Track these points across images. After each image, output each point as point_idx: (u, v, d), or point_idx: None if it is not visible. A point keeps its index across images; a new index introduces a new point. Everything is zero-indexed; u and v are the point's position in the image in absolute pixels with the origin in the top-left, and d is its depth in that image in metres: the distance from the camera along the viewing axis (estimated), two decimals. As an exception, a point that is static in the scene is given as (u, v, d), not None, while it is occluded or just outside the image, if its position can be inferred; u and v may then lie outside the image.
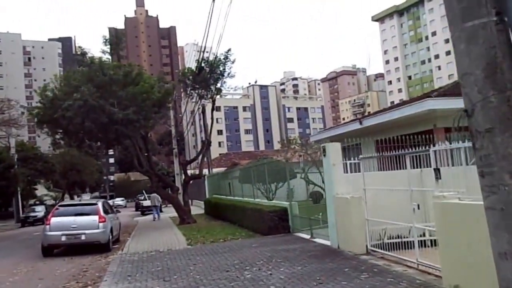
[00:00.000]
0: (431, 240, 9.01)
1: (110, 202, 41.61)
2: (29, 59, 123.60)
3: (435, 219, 6.37)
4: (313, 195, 22.85)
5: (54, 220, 12.99)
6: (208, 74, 20.63)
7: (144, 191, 40.09)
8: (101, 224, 12.99)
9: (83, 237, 12.74)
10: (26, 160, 45.74)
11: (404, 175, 9.65)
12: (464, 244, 5.62)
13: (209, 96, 21.74)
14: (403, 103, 17.20)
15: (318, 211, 13.37)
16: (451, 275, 5.93)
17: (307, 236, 11.97)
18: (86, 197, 69.71)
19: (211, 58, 20.74)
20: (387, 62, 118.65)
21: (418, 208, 7.42)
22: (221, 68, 20.82)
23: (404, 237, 8.84)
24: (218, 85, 21.39)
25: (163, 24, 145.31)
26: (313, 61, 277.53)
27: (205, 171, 34.08)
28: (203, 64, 20.54)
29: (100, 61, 18.62)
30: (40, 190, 59.66)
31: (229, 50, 20.90)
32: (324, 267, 7.97)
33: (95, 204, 13.81)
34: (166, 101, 21.09)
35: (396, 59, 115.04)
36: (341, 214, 9.63)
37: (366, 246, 9.09)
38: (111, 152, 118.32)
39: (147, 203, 37.43)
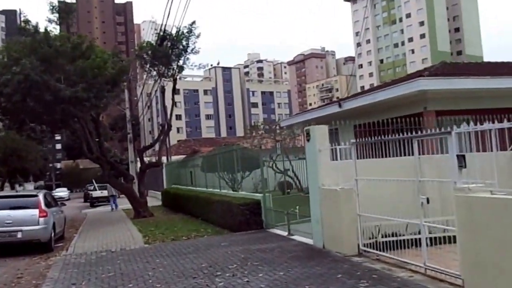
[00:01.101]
0: (431, 239, 8.43)
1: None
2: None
3: (457, 216, 5.59)
4: (281, 185, 22.14)
5: (-16, 214, 11.50)
6: (170, 49, 19.27)
7: (93, 181, 38.25)
8: (42, 220, 11.63)
9: (19, 235, 11.36)
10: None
11: (404, 163, 8.95)
12: (495, 247, 4.87)
13: (170, 74, 20.40)
14: (388, 84, 16.55)
15: (292, 203, 12.56)
16: (476, 284, 5.18)
17: (284, 233, 11.13)
18: (29, 187, 66.62)
19: (173, 34, 19.37)
20: (359, 44, 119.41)
21: (428, 202, 6.63)
22: (184, 43, 19.49)
23: (401, 235, 8.18)
24: (181, 62, 20.09)
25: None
26: (279, 43, 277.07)
27: (164, 158, 32.75)
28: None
29: (45, 31, 16.91)
30: (-24, 178, 56.28)
31: (193, 22, 19.61)
32: (311, 272, 7.10)
33: (35, 195, 12.40)
34: (120, 79, 19.61)
35: (368, 41, 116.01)
36: (328, 208, 8.79)
37: (358, 246, 8.32)
38: (58, 137, 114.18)
39: (97, 193, 35.77)
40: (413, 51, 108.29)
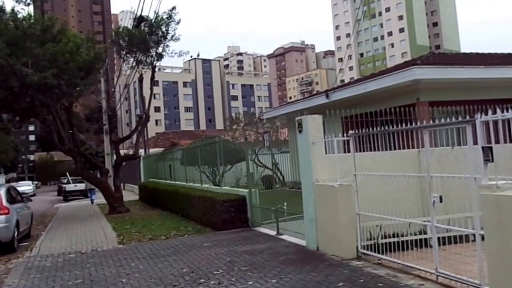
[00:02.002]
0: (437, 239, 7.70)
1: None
2: None
3: (484, 218, 4.79)
4: (265, 179, 21.29)
5: None
6: (148, 35, 18.09)
7: (67, 174, 36.75)
8: (2, 218, 10.47)
9: (-23, 235, 10.19)
10: None
11: (406, 157, 8.23)
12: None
13: (148, 62, 19.21)
14: (379, 73, 15.82)
15: (277, 199, 11.71)
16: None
17: (272, 232, 10.28)
18: (0, 179, 64.21)
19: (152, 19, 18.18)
20: (338, 38, 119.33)
21: (441, 201, 5.83)
22: (163, 29, 18.32)
23: (402, 236, 7.45)
24: (160, 49, 18.91)
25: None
26: (259, 36, 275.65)
27: (141, 151, 31.54)
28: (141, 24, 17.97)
29: (12, 11, 15.55)
30: None
31: (173, 8, 18.44)
32: (308, 280, 6.26)
33: None
34: (95, 66, 18.37)
35: (348, 35, 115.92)
36: (323, 206, 7.95)
37: (357, 248, 7.52)
38: (31, 127, 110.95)
39: (70, 187, 34.39)
40: (392, 45, 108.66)
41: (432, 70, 13.46)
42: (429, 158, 6.16)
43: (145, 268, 7.74)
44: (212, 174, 17.85)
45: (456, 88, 13.66)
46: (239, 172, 20.39)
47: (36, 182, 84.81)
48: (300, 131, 8.43)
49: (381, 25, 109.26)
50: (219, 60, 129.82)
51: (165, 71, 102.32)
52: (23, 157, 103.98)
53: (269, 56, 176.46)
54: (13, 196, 12.14)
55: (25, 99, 15.22)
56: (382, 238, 7.51)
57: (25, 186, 45.42)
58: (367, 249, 7.43)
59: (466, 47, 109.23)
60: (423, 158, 8.24)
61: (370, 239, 7.57)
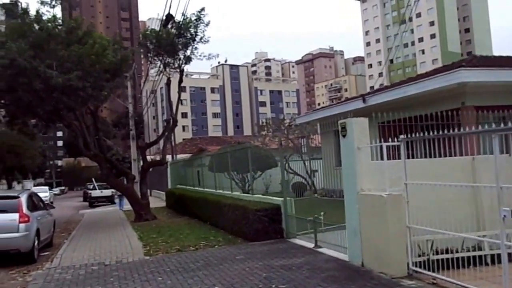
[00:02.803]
0: (492, 256, 6.96)
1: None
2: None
3: None
4: (295, 187, 20.53)
5: (-45, 218, 9.90)
6: (176, 37, 17.66)
7: (93, 179, 36.79)
8: (22, 226, 9.99)
9: (-5, 243, 9.76)
10: (-50, 141, 41.43)
11: (458, 164, 7.50)
12: None
13: (176, 65, 18.79)
14: (420, 76, 14.94)
15: (310, 208, 11.00)
16: None
17: (309, 245, 9.53)
18: (29, 184, 65.27)
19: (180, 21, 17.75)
20: (368, 44, 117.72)
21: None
22: (192, 31, 17.86)
23: (456, 251, 6.71)
24: (188, 52, 18.44)
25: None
26: (287, 42, 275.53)
27: (168, 157, 31.22)
28: (169, 25, 17.58)
29: (37, 12, 15.36)
30: (-28, 175, 55.03)
31: (202, 9, 17.95)
32: (358, 304, 5.50)
33: (16, 197, 10.69)
34: (122, 69, 18.05)
35: (377, 40, 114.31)
36: (370, 218, 7.19)
37: (407, 265, 6.74)
38: (59, 133, 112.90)
39: (96, 193, 34.37)
40: (423, 52, 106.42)
41: (479, 72, 12.57)
42: (497, 166, 5.36)
43: (173, 284, 7.10)
44: (241, 181, 17.24)
45: (503, 92, 12.74)
46: (268, 179, 19.78)
47: (63, 188, 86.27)
48: (344, 135, 7.70)
49: (412, 31, 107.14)
50: (247, 66, 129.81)
51: (192, 77, 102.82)
52: (51, 162, 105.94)
53: (298, 62, 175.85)
54: (35, 203, 11.72)
55: (50, 103, 14.93)
56: (434, 254, 6.79)
57: (41, 193, 44.76)
58: (419, 266, 6.69)
59: (497, 53, 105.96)
60: (478, 166, 7.46)
61: (421, 255, 6.84)
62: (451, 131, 7.38)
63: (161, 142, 22.83)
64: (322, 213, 9.88)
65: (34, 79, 13.70)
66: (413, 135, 6.82)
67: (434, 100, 13.12)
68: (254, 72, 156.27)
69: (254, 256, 8.81)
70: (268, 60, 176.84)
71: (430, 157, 7.65)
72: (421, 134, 6.82)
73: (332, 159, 15.70)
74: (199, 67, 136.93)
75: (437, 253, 6.80)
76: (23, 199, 10.63)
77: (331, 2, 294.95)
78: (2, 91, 14.35)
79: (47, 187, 51.22)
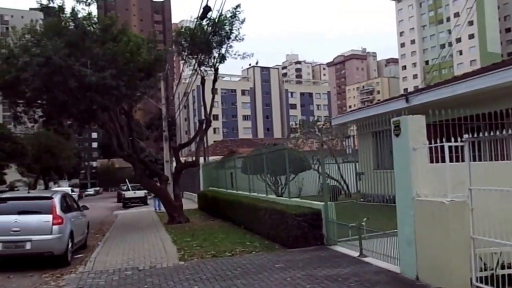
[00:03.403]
0: None
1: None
2: (7, 29, 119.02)
3: None
4: (330, 190, 19.83)
5: (-13, 220, 9.69)
6: (211, 35, 17.26)
7: (127, 180, 36.93)
8: (55, 228, 9.70)
9: (28, 246, 9.45)
10: (-9, 140, 42.56)
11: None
12: None
13: (210, 63, 18.40)
14: (470, 74, 14.03)
15: (349, 213, 10.30)
16: None
17: (353, 253, 8.87)
18: (64, 185, 66.61)
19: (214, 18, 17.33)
20: (403, 45, 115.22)
21: None
22: (227, 28, 17.43)
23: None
24: (223, 50, 18.01)
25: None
26: (318, 44, 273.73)
27: (200, 159, 30.97)
28: (204, 23, 17.20)
29: (72, 10, 15.22)
30: (11, 175, 56.54)
31: (238, 6, 17.49)
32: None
33: (50, 198, 10.42)
34: (156, 68, 17.80)
35: (412, 41, 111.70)
36: (427, 226, 6.50)
37: (470, 280, 6.02)
38: (94, 135, 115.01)
39: (130, 194, 34.46)
40: (460, 52, 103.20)
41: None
42: None
43: (211, 294, 6.61)
44: (274, 183, 16.67)
45: None
46: (300, 182, 19.16)
47: (98, 188, 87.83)
48: (398, 135, 7.03)
49: (449, 31, 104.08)
50: (277, 68, 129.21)
51: (223, 79, 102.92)
52: (86, 163, 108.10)
53: (329, 64, 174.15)
54: (69, 204, 11.47)
55: (84, 102, 14.76)
56: (500, 269, 6.07)
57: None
58: (482, 282, 5.97)
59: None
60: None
61: (483, 270, 6.12)
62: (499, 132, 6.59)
63: (193, 144, 22.51)
64: (364, 219, 9.20)
65: (69, 78, 13.53)
66: (477, 135, 6.13)
67: (488, 98, 12.20)
68: (285, 75, 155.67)
69: (294, 265, 8.22)
70: (299, 62, 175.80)
71: (492, 159, 6.96)
72: (485, 134, 6.14)
73: (370, 161, 15.00)
74: (230, 69, 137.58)
75: (503, 268, 6.09)
76: (57, 200, 10.35)
77: (364, 3, 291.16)
78: (38, 89, 14.24)
79: (69, 188, 52.32)
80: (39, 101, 17.04)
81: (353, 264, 8.01)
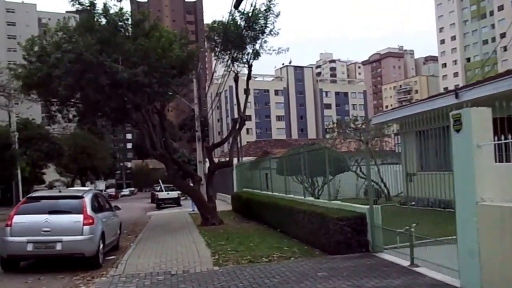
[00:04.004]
0: None
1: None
2: (45, 32, 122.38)
3: None
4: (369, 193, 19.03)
5: (18, 219, 9.46)
6: (245, 30, 16.75)
7: (160, 181, 36.99)
8: (86, 228, 9.41)
9: (58, 247, 9.19)
10: (30, 141, 43.54)
11: None
12: None
13: (244, 60, 17.89)
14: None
15: (392, 217, 9.55)
16: None
17: (402, 262, 8.12)
18: (101, 185, 67.75)
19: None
20: (442, 41, 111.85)
21: None
22: (261, 23, 16.89)
23: None
24: (257, 45, 17.47)
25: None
26: (353, 43, 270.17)
27: (234, 159, 30.59)
28: (237, 17, 16.71)
29: (104, 7, 15.02)
30: (50, 175, 57.85)
31: (272, -1, 16.92)
32: None
33: (81, 197, 10.13)
34: (188, 65, 17.46)
35: (453, 38, 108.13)
36: (495, 235, 5.74)
37: (547, 299, 5.24)
38: (129, 136, 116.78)
39: (163, 195, 34.51)
40: (505, 48, 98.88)
41: None
42: None
43: (248, 306, 6.05)
44: (311, 185, 16.03)
45: None
46: (337, 184, 18.42)
47: (132, 189, 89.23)
48: (458, 130, 6.30)
49: (493, 26, 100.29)
50: (311, 67, 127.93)
51: (256, 79, 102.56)
52: (121, 164, 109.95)
53: (364, 63, 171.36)
54: (101, 204, 11.19)
55: (116, 100, 14.54)
56: None
57: None
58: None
59: None
60: None
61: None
62: None
63: (225, 145, 22.10)
64: (413, 225, 8.43)
65: (100, 75, 13.32)
66: None
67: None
68: (319, 74, 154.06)
69: (339, 274, 7.58)
70: (333, 61, 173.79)
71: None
72: None
73: (413, 162, 14.16)
74: (262, 69, 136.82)
75: None
76: (88, 199, 10.06)
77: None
78: (70, 87, 14.08)
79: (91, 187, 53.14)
80: (72, 100, 17.03)
81: (404, 275, 7.30)
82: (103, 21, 14.50)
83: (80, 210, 9.62)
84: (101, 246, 9.96)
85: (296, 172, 15.01)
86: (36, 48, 15.67)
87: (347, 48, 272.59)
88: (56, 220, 9.41)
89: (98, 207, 10.64)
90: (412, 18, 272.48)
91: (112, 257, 11.05)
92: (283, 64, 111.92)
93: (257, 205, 17.08)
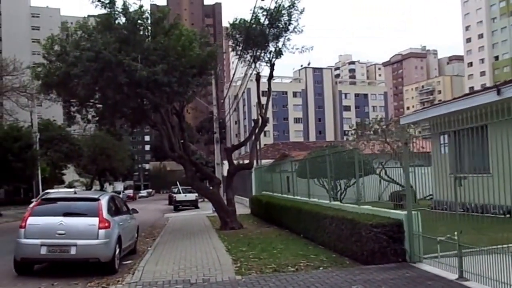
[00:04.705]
0: None
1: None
2: (68, 36, 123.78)
3: None
4: (394, 196, 18.35)
5: (32, 221, 9.12)
6: (267, 27, 16.23)
7: (178, 183, 36.72)
8: (102, 232, 8.99)
9: (73, 251, 8.81)
10: (51, 141, 43.89)
11: None
12: None
13: (266, 58, 17.36)
14: None
15: (427, 224, 8.87)
16: None
17: (448, 274, 7.38)
18: (119, 186, 68.01)
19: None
20: (468, 40, 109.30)
21: None
22: (285, 19, 16.33)
23: None
24: (280, 43, 16.92)
25: (208, 0, 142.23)
26: (373, 43, 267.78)
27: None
28: (260, 14, 16.21)
29: (124, 4, 14.67)
30: (70, 176, 58.23)
31: (296, -6, 16.34)
32: None
33: (96, 199, 9.75)
34: (208, 65, 17.02)
35: (480, 36, 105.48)
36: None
37: None
38: (147, 138, 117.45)
39: (181, 197, 34.26)
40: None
41: None
42: None
43: (277, 323, 5.50)
44: (333, 188, 15.45)
45: None
46: (360, 187, 17.78)
47: (150, 190, 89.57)
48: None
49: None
50: (330, 69, 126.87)
51: (274, 81, 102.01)
52: (139, 166, 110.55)
53: (385, 64, 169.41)
54: (117, 207, 10.77)
55: (135, 100, 14.18)
56: None
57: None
58: None
59: None
60: None
61: None
62: None
63: (243, 147, 21.60)
64: (456, 232, 7.73)
65: (119, 73, 12.97)
66: None
67: None
68: (338, 76, 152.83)
69: (376, 287, 6.95)
70: (353, 62, 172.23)
71: None
72: None
73: (446, 165, 13.44)
74: (280, 71, 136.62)
75: None
76: (104, 201, 9.64)
77: None
78: (89, 86, 13.77)
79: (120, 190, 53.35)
80: (91, 101, 16.78)
81: (452, 290, 6.63)
82: (123, 19, 14.17)
83: (95, 213, 9.22)
84: (117, 251, 9.54)
85: (319, 175, 14.44)
86: (56, 47, 15.41)
87: (367, 49, 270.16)
88: (71, 222, 9.03)
89: (114, 210, 10.23)
90: (437, 18, 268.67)
91: (129, 261, 10.64)
92: (301, 65, 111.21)
93: (278, 209, 16.54)
